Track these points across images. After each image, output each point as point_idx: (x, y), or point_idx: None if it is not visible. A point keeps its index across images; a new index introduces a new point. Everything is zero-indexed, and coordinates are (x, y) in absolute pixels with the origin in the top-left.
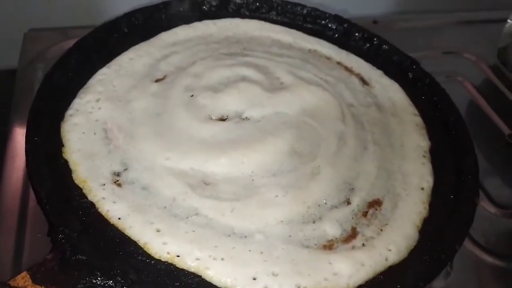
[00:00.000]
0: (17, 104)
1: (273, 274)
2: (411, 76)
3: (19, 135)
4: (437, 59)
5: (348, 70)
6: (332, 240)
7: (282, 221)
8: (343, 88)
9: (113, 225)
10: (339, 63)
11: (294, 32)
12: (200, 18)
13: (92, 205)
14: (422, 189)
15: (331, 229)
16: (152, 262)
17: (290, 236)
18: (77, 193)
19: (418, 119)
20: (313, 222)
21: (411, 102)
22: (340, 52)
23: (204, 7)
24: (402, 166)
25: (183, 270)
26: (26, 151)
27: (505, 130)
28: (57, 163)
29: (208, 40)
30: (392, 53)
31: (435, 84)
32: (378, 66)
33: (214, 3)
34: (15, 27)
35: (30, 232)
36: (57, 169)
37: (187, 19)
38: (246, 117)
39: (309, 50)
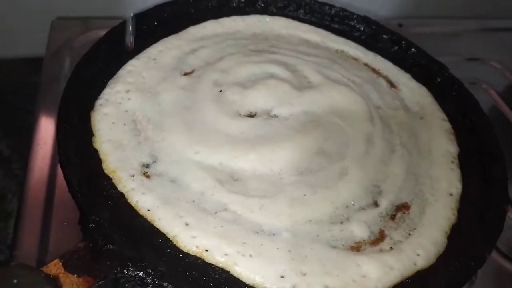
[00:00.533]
0: (43, 92)
1: (302, 273)
2: (439, 81)
3: (46, 123)
4: (460, 65)
5: (376, 72)
6: (359, 242)
7: (310, 220)
8: (371, 90)
9: (142, 216)
10: (366, 64)
11: (321, 31)
12: (228, 14)
13: (121, 195)
14: (451, 194)
15: (359, 231)
16: (181, 255)
17: (318, 236)
18: (107, 183)
19: (447, 125)
20: (341, 223)
21: (439, 107)
22: (367, 54)
23: (233, 3)
24: (430, 171)
25: (211, 265)
26: (57, 140)
27: None
28: (87, 153)
29: (236, 36)
30: (420, 57)
31: (464, 90)
32: (406, 69)
33: (242, 0)
34: (42, 16)
35: (56, 220)
36: (87, 159)
37: (216, 14)
38: (275, 115)
39: (336, 51)
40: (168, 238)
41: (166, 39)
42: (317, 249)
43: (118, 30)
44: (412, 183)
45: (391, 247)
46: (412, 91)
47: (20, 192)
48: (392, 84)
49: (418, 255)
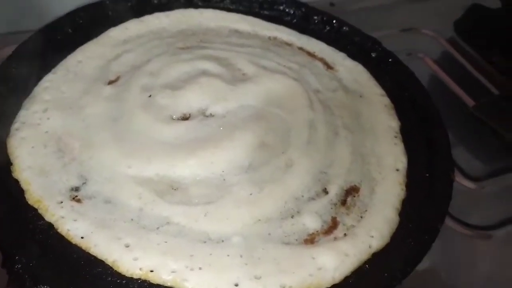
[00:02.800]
0: None
1: (256, 277)
2: (374, 56)
3: None
4: (395, 37)
5: (311, 55)
6: (313, 233)
7: (259, 219)
8: (308, 74)
9: (76, 245)
10: (300, 48)
11: (251, 19)
12: (150, 12)
13: (50, 226)
14: (397, 170)
15: (311, 222)
16: (124, 281)
17: (269, 234)
18: (32, 214)
19: (386, 100)
20: (292, 217)
21: (376, 83)
22: (300, 37)
23: (154, 0)
24: (375, 149)
25: (158, 285)
26: None
27: (469, 102)
28: (7, 184)
29: (161, 34)
30: (353, 34)
31: (399, 63)
32: (340, 49)
33: None
34: None
35: None
36: (8, 191)
37: (137, 15)
38: (211, 114)
39: (269, 38)
40: (108, 265)
41: (84, 46)
42: (269, 248)
43: (28, 44)
44: (359, 164)
45: (345, 234)
46: (349, 70)
47: None
48: (328, 66)
49: (372, 236)
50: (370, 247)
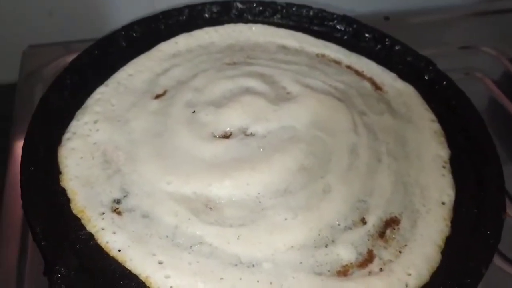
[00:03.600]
0: (17, 122)
1: None
2: (427, 78)
3: (19, 156)
4: (453, 55)
5: (359, 74)
6: (347, 265)
7: (292, 246)
8: (354, 95)
9: (113, 258)
10: (349, 67)
11: (300, 35)
12: (202, 26)
13: (91, 236)
14: (443, 203)
15: (346, 253)
16: None
17: (301, 262)
18: (75, 224)
19: (436, 126)
20: (326, 246)
21: (428, 107)
22: (349, 55)
23: (206, 14)
24: (420, 179)
25: None
26: (20, 183)
27: None
28: (54, 193)
29: (210, 49)
30: (406, 54)
31: (454, 86)
32: (391, 68)
33: (215, 10)
34: (16, 42)
35: (32, 263)
36: (55, 199)
37: (188, 29)
38: (251, 133)
39: (317, 55)
40: (141, 280)
41: (136, 60)
42: (300, 278)
43: (84, 57)
44: (401, 194)
45: (380, 269)
46: (399, 92)
47: None
48: (377, 86)
49: (410, 274)
50: (406, 286)
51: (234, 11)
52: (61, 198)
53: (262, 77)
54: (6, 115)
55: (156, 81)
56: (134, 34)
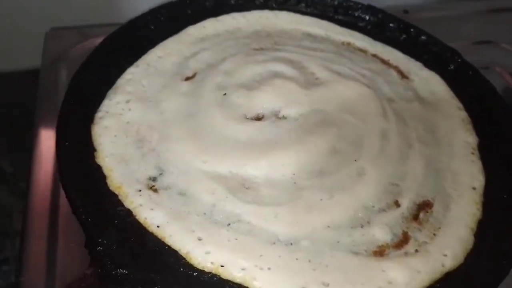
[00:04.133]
0: (42, 105)
1: (324, 284)
2: (452, 68)
3: (46, 137)
4: (471, 49)
5: (385, 63)
6: (382, 245)
7: (329, 226)
8: (382, 82)
9: (152, 233)
10: (374, 55)
11: (325, 24)
12: (227, 12)
13: (129, 212)
14: (474, 188)
15: (381, 234)
16: (195, 273)
17: (338, 242)
18: (113, 200)
19: (463, 114)
20: (362, 227)
21: (454, 95)
22: (375, 44)
23: (231, 1)
24: (450, 164)
25: (228, 281)
26: (57, 157)
27: None
28: (90, 169)
29: (237, 35)
30: (431, 44)
31: (479, 76)
32: (416, 58)
33: None
34: (36, 27)
35: (63, 241)
36: (90, 175)
37: (214, 14)
38: (283, 116)
39: (342, 43)
40: (181, 255)
41: (164, 42)
42: (338, 256)
43: (114, 38)
44: (433, 179)
45: (416, 250)
46: (425, 80)
47: (23, 214)
48: (403, 75)
49: (445, 255)
50: (443, 266)
51: None
52: (97, 175)
53: (290, 62)
54: (29, 99)
55: (185, 64)
56: (161, 17)
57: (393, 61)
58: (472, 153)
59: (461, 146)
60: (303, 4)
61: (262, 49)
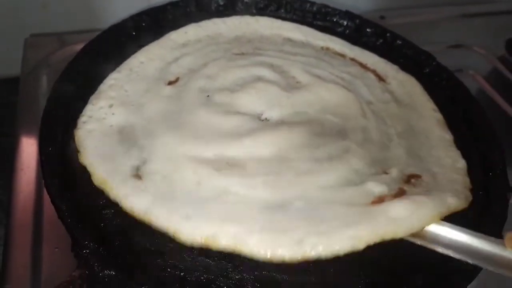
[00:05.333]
0: (22, 113)
1: (319, 233)
2: (427, 71)
3: (27, 145)
4: (444, 53)
5: (363, 66)
6: (380, 196)
7: (321, 187)
8: (360, 85)
9: (140, 221)
10: (353, 59)
11: (305, 29)
12: (209, 18)
13: (115, 205)
14: (458, 168)
15: (377, 188)
16: (185, 250)
17: (333, 198)
18: (98, 196)
19: (438, 115)
20: (355, 185)
21: (429, 98)
22: (353, 49)
23: (212, 7)
24: (432, 152)
25: (219, 252)
26: (41, 163)
27: None
28: (74, 171)
29: (218, 40)
30: (407, 48)
31: (453, 78)
32: (393, 62)
33: (221, 3)
34: (15, 34)
35: (47, 247)
36: (74, 177)
37: (195, 20)
38: (266, 118)
39: (322, 48)
40: (170, 236)
41: (147, 47)
42: (335, 209)
43: (95, 43)
44: (417, 161)
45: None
46: (401, 83)
47: (6, 221)
48: (380, 78)
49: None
50: (447, 202)
51: (239, 5)
52: (82, 174)
53: (272, 66)
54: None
55: (168, 69)
56: (143, 23)
57: (370, 65)
58: (450, 146)
59: (439, 139)
60: (282, 10)
61: (243, 54)
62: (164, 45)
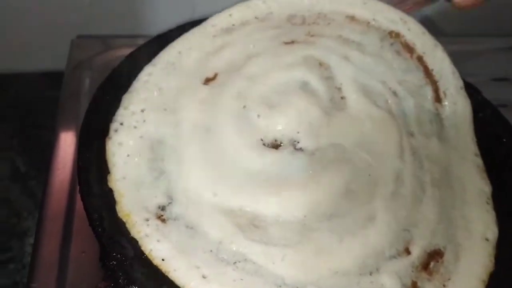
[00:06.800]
0: (63, 110)
1: None
2: (472, 105)
3: (65, 144)
4: (489, 86)
5: (428, 73)
6: None
7: (337, 272)
8: (410, 107)
9: (156, 266)
10: (420, 58)
11: (374, 4)
12: None
13: (135, 241)
14: (487, 240)
15: (390, 284)
16: None
17: None
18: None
19: (479, 161)
20: (370, 274)
21: (474, 137)
22: (427, 41)
23: None
24: (464, 212)
25: None
26: (78, 169)
27: None
28: (107, 186)
29: (268, 23)
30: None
31: (498, 115)
32: None
33: None
34: (63, 32)
35: (75, 249)
36: (107, 192)
37: None
38: (301, 148)
39: (390, 34)
40: None
41: (186, 35)
42: None
43: (141, 51)
44: (445, 226)
45: None
46: (455, 110)
47: (38, 215)
48: (438, 96)
49: None
50: None
51: None
52: (111, 197)
53: (320, 67)
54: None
55: (207, 61)
56: None
57: (436, 74)
58: (487, 203)
59: (476, 193)
60: None
61: (293, 42)
62: (205, 32)
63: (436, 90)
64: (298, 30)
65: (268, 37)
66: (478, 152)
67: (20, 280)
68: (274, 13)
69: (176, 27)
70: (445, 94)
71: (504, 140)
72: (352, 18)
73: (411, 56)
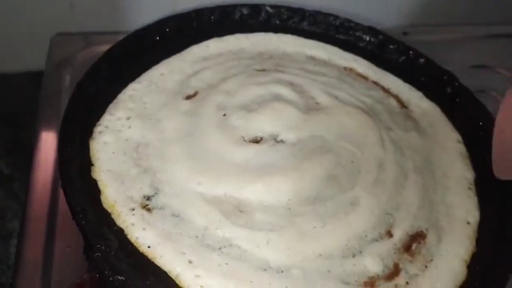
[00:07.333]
0: (43, 109)
1: None
2: (449, 91)
3: (46, 142)
4: (467, 73)
5: (386, 91)
6: (373, 277)
7: (320, 254)
8: (381, 110)
9: (142, 253)
10: (375, 83)
11: (329, 47)
12: (231, 27)
13: (120, 231)
14: (468, 223)
15: (372, 265)
16: None
17: (329, 271)
18: (107, 218)
19: (462, 147)
20: (353, 257)
21: (453, 127)
22: (377, 71)
23: (236, 15)
24: (446, 198)
25: None
26: (59, 164)
27: None
28: (88, 180)
29: (240, 55)
30: (429, 67)
31: (475, 101)
32: (414, 80)
33: (245, 12)
34: (42, 31)
35: (59, 246)
36: (89, 186)
37: (219, 28)
38: (281, 140)
39: (345, 68)
40: (172, 280)
41: (168, 60)
42: (329, 286)
43: (119, 47)
44: (427, 211)
45: (407, 282)
46: (424, 111)
47: (22, 216)
48: (403, 104)
49: None
50: None
51: (263, 15)
52: (95, 187)
53: (292, 85)
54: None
55: (187, 82)
56: (167, 29)
57: (393, 90)
58: (469, 188)
59: (458, 180)
60: (305, 23)
61: (264, 70)
62: (185, 58)
63: (399, 100)
64: (268, 62)
65: (242, 65)
66: (460, 139)
67: (7, 282)
68: (245, 49)
69: (156, 21)
70: (408, 102)
71: (481, 123)
72: (312, 58)
73: (367, 81)
